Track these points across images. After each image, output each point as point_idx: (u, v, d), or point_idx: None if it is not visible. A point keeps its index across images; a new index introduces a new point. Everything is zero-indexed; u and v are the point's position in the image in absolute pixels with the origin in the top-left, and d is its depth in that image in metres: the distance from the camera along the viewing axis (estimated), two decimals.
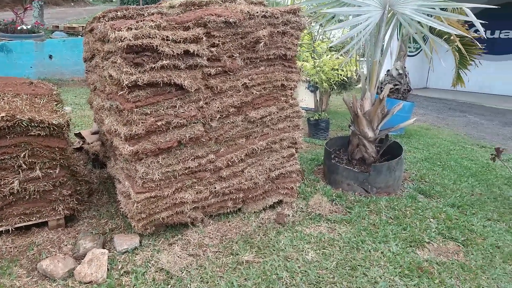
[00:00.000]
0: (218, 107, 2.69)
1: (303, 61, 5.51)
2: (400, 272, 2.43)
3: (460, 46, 4.40)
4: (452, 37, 4.65)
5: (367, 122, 3.50)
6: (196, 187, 2.76)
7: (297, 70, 3.08)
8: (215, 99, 2.68)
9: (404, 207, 3.29)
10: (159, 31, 2.31)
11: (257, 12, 2.70)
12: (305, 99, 7.88)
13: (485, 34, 12.52)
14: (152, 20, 2.35)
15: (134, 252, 2.62)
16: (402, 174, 3.74)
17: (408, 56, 12.15)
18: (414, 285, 2.31)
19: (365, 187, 3.49)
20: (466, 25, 5.09)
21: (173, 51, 2.32)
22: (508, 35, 12.00)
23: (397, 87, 6.00)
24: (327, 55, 5.46)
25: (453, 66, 5.64)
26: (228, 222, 3.01)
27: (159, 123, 2.44)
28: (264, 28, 2.75)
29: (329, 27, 3.12)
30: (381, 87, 6.19)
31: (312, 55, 5.44)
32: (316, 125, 5.73)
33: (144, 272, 2.37)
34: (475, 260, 2.60)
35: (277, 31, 2.83)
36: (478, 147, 5.69)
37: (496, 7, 3.21)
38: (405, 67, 5.92)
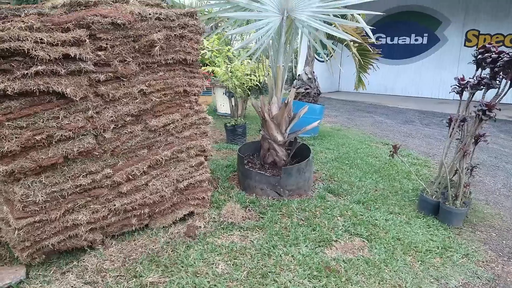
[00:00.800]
0: (112, 117, 2.45)
1: (215, 66, 5.44)
2: (309, 274, 2.43)
3: (355, 51, 4.69)
4: (351, 43, 4.94)
5: (275, 126, 3.52)
6: (92, 206, 2.48)
7: (200, 76, 2.97)
8: (108, 108, 2.45)
9: (314, 208, 3.35)
10: (31, 33, 2.03)
11: (149, 14, 2.54)
12: (223, 104, 7.83)
13: (386, 40, 13.81)
14: (23, 21, 2.06)
15: (19, 286, 2.27)
16: (312, 175, 3.84)
17: (321, 61, 12.90)
18: (322, 286, 2.33)
19: (278, 191, 3.49)
20: (363, 32, 5.47)
21: (49, 55, 2.05)
22: (405, 41, 13.33)
23: (307, 91, 6.22)
24: (239, 60, 5.46)
25: (355, 71, 6.01)
26: (134, 241, 2.77)
27: (38, 137, 2.14)
28: (159, 31, 2.60)
29: (229, 31, 3.07)
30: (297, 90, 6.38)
31: (225, 60, 5.39)
32: (233, 131, 5.69)
33: None
34: (378, 254, 2.71)
35: (174, 35, 2.69)
36: (382, 144, 6.14)
37: (382, 13, 3.43)
38: (314, 72, 6.17)
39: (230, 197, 3.46)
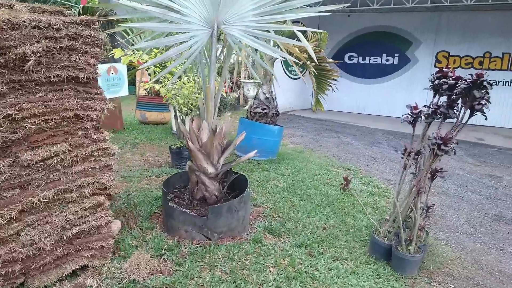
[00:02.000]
0: None
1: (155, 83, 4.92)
2: None
3: (312, 70, 4.28)
4: (308, 62, 4.53)
5: (204, 156, 3.00)
6: None
7: (101, 97, 2.44)
8: None
9: (245, 255, 2.82)
10: None
11: (23, 21, 2.01)
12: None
13: (358, 60, 13.70)
14: None
15: None
16: (250, 212, 3.32)
17: (292, 79, 12.59)
18: None
19: (205, 233, 2.96)
20: (322, 50, 5.09)
21: None
22: (376, 61, 13.22)
23: (265, 111, 5.77)
24: (187, 76, 4.96)
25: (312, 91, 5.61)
26: None
27: None
28: (37, 42, 2.06)
29: (139, 44, 2.58)
30: (251, 112, 5.91)
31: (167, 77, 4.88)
32: (179, 154, 5.13)
33: None
34: None
35: (61, 47, 2.16)
36: (343, 169, 5.71)
37: (325, 12, 3.01)
38: (272, 91, 5.73)
39: (145, 241, 2.89)
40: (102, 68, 7.11)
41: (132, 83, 12.06)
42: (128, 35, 4.94)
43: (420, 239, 3.03)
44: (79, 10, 5.20)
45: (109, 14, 5.46)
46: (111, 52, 4.64)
